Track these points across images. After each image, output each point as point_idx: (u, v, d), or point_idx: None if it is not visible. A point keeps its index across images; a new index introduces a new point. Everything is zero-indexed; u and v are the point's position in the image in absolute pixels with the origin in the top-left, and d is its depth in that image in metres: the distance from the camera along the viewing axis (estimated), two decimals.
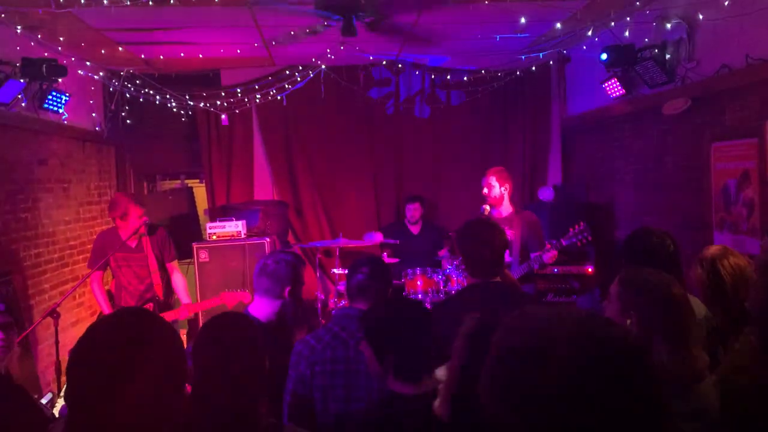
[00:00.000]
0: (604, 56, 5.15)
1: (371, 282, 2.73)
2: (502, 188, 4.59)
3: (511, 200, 4.67)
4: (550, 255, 4.30)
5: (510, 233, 4.34)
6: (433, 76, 6.61)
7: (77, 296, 5.85)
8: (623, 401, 0.80)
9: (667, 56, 4.78)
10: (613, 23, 4.99)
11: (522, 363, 0.85)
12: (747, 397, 2.06)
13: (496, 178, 4.60)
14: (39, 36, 4.97)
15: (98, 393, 1.33)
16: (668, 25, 4.70)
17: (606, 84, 5.51)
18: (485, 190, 4.61)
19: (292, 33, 5.26)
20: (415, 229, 6.54)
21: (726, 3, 4.01)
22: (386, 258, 6.15)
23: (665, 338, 1.83)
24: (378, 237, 6.45)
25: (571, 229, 4.34)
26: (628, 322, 1.91)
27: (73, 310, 5.77)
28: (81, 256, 5.96)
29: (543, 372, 0.81)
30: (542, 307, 0.93)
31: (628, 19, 4.87)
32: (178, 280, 4.96)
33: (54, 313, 3.78)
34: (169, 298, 5.02)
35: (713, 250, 2.83)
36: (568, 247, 4.37)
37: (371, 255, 5.15)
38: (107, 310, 4.72)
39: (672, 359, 1.82)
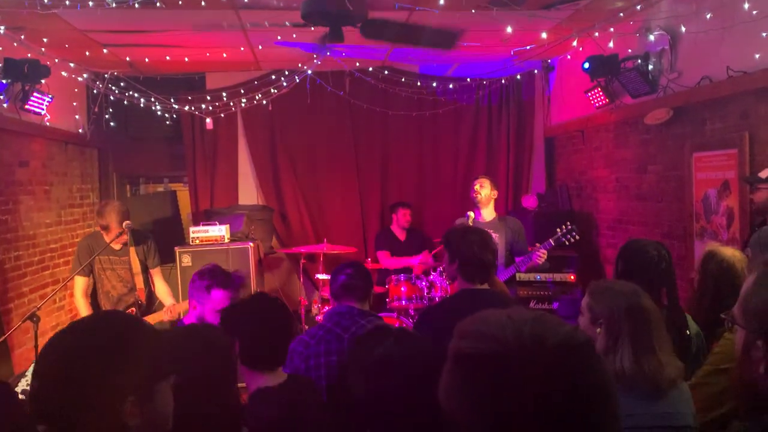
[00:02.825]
0: (586, 65, 5.21)
1: (355, 281, 2.89)
2: (493, 192, 4.72)
3: (495, 208, 4.80)
4: (539, 254, 4.36)
5: (495, 237, 4.37)
6: (419, 83, 6.63)
7: (57, 300, 5.77)
8: (572, 396, 0.83)
9: (650, 67, 4.85)
10: (596, 33, 5.05)
11: (475, 368, 0.87)
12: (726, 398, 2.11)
13: (489, 181, 4.73)
14: (22, 36, 4.92)
15: (65, 404, 1.22)
16: (651, 37, 4.77)
17: (590, 93, 5.57)
18: (477, 187, 4.68)
19: (279, 37, 5.25)
20: (401, 236, 6.54)
21: (708, 16, 4.08)
22: (369, 264, 6.14)
23: (629, 343, 1.91)
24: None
25: (558, 229, 4.48)
26: (598, 331, 1.96)
27: (53, 314, 5.70)
28: (62, 259, 5.89)
29: (496, 376, 0.84)
30: (495, 310, 0.94)
31: (611, 29, 4.93)
32: (160, 286, 4.91)
33: (34, 317, 3.71)
34: (152, 303, 4.97)
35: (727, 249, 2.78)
36: (557, 245, 4.48)
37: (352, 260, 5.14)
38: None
39: (635, 363, 1.88)
